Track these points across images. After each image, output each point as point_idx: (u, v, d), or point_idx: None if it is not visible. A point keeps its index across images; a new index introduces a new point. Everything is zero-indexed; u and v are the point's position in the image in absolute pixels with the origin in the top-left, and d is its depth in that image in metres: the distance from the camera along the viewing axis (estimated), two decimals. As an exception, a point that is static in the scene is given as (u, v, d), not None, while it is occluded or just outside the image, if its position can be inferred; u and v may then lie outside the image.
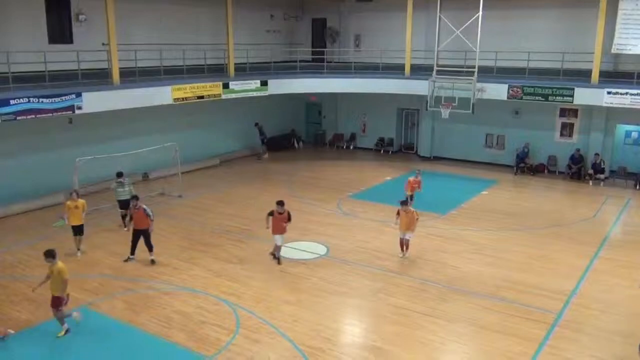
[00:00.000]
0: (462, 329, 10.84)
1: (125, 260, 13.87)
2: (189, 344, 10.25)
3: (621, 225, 17.21)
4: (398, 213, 14.01)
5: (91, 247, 14.69)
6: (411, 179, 18.08)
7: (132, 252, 13.97)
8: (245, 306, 11.66)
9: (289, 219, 13.65)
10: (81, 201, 14.08)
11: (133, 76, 19.44)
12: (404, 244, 14.19)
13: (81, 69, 17.97)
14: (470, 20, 20.84)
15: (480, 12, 20.43)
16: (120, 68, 18.61)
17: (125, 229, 15.31)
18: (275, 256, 13.96)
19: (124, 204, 15.98)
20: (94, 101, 17.56)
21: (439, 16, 21.80)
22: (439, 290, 12.48)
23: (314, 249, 14.81)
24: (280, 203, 13.59)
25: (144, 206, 13.76)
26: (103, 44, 19.03)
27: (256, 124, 25.57)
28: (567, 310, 11.62)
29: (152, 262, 13.75)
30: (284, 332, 10.65)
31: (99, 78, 18.46)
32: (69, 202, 14.08)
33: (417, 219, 14.02)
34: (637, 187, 21.10)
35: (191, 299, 12.01)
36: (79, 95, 17.11)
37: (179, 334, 10.59)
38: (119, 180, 16.06)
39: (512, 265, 13.94)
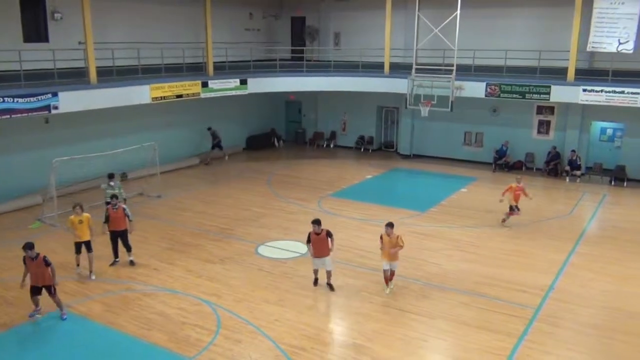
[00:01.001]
0: (443, 325, 10.93)
1: (111, 264, 13.60)
2: (169, 345, 10.18)
3: (597, 221, 17.50)
4: (381, 238, 12.17)
5: (68, 247, 14.46)
6: (513, 185, 16.30)
7: (116, 255, 13.69)
8: (226, 306, 11.61)
9: (328, 236, 11.98)
10: (86, 215, 12.89)
11: (110, 75, 19.23)
12: (388, 277, 12.30)
13: (57, 68, 17.70)
14: (449, 19, 20.99)
15: (458, 11, 20.58)
16: (97, 67, 18.39)
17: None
18: (328, 283, 12.35)
19: None
20: (70, 101, 17.33)
21: (418, 15, 21.91)
22: (420, 287, 12.56)
23: (295, 248, 14.80)
24: (316, 222, 11.92)
25: (124, 206, 13.60)
26: (79, 43, 18.79)
27: (209, 129, 24.58)
28: (545, 305, 11.78)
29: (131, 263, 13.60)
30: (266, 332, 10.63)
31: (75, 77, 18.21)
32: (72, 217, 12.82)
33: (402, 246, 11.98)
34: (613, 183, 21.47)
35: (171, 300, 11.92)
36: (55, 94, 16.87)
37: (159, 335, 10.51)
38: (110, 182, 15.80)
39: (491, 261, 14.10)
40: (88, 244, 12.99)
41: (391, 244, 11.92)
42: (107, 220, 13.31)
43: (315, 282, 12.52)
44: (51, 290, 10.88)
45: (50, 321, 11.03)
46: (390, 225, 11.95)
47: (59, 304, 11.12)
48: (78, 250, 13.01)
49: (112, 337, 10.53)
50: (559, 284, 12.79)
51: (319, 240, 11.95)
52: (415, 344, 10.32)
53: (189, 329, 10.72)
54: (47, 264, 10.75)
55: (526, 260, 14.16)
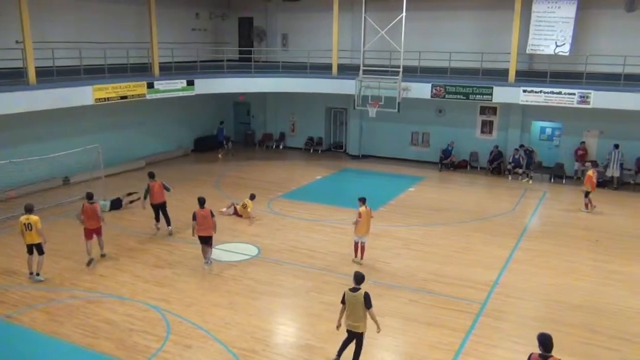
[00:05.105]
0: (393, 323, 11.09)
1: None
2: (117, 353, 9.93)
3: (538, 217, 18.14)
4: (359, 214, 13.55)
5: (8, 255, 13.93)
6: None
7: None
8: (175, 311, 11.42)
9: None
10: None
11: (51, 76, 18.58)
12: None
13: (-7, 68, 17.03)
14: (395, 21, 21.29)
15: (404, 13, 20.89)
16: (36, 67, 17.75)
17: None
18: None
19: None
20: (8, 102, 16.69)
21: (364, 17, 22.14)
22: (369, 286, 12.59)
23: (245, 250, 14.71)
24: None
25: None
26: (17, 42, 18.06)
27: (221, 123, 24.27)
28: (490, 300, 12.14)
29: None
30: (216, 336, 10.52)
31: (13, 78, 17.50)
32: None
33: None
34: (552, 180, 22.31)
35: (118, 307, 11.62)
36: (-9, 96, 16.20)
37: (106, 344, 10.23)
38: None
39: (438, 258, 14.40)
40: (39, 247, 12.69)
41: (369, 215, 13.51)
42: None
43: None
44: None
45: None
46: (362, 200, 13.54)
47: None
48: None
49: (56, 347, 10.18)
50: (503, 279, 13.20)
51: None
52: (366, 342, 10.40)
53: (137, 336, 10.48)
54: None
55: (472, 257, 14.54)
